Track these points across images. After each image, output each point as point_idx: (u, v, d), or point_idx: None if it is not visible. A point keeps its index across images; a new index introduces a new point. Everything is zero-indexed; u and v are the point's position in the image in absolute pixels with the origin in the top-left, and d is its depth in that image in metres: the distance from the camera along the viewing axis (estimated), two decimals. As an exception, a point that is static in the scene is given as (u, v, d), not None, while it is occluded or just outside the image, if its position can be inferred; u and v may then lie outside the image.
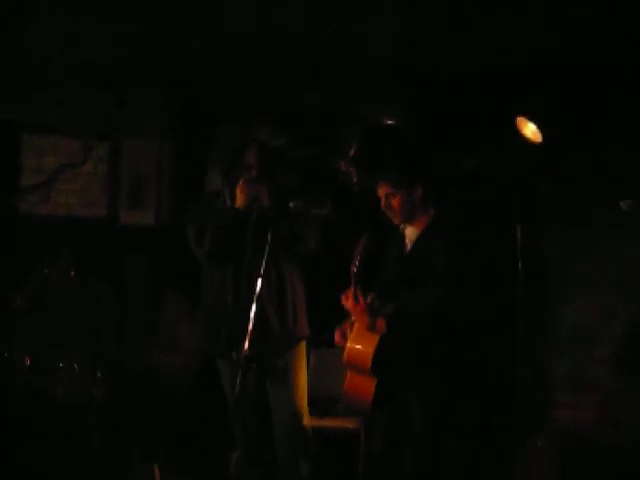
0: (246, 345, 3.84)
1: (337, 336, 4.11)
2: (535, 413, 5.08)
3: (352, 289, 3.95)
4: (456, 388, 3.93)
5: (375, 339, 3.91)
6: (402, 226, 4.12)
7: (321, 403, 5.16)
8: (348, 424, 5.25)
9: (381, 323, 3.90)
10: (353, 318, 4.02)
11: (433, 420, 3.93)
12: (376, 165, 5.35)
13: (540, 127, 5.06)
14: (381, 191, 4.05)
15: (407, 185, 4.00)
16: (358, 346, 3.97)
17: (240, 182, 4.26)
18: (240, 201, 4.26)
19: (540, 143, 5.07)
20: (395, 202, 4.01)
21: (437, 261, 3.87)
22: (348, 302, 3.98)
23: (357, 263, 3.97)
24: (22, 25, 5.42)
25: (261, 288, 3.97)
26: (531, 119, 5.08)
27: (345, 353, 4.02)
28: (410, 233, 4.07)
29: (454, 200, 4.41)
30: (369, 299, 3.98)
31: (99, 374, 5.23)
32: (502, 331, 4.97)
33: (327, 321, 4.58)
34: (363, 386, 4.00)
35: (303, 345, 4.52)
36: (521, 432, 4.94)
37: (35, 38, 5.51)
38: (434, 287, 3.85)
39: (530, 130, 5.09)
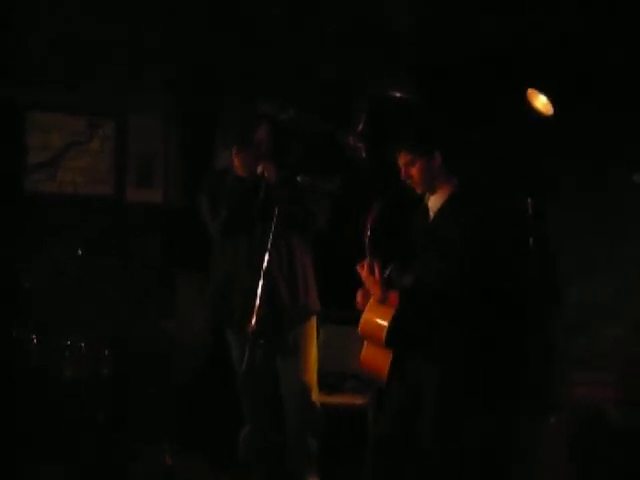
0: (253, 321, 3.84)
1: (359, 297, 4.01)
2: (549, 389, 5.05)
3: (368, 260, 3.90)
4: (471, 365, 3.88)
5: (390, 312, 3.86)
6: (427, 196, 4.04)
7: (330, 379, 5.16)
8: (357, 401, 5.23)
9: (393, 297, 3.84)
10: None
11: (447, 400, 3.88)
12: (385, 139, 5.30)
13: (551, 100, 4.99)
14: (401, 160, 3.97)
15: (425, 152, 3.92)
16: (373, 318, 3.93)
17: (234, 151, 4.27)
18: (239, 170, 4.29)
19: (551, 116, 5.00)
20: (414, 170, 3.93)
21: (455, 237, 3.80)
22: (363, 272, 3.92)
23: (368, 233, 3.91)
24: (27, 2, 5.40)
25: (271, 263, 4.04)
26: (542, 92, 5.01)
27: (360, 325, 3.98)
28: (433, 204, 3.99)
29: (473, 172, 4.33)
30: (387, 271, 3.92)
31: (106, 352, 5.22)
32: (515, 306, 4.92)
33: (337, 297, 4.57)
34: (379, 359, 3.96)
35: (314, 320, 4.53)
36: (535, 408, 4.91)
37: (41, 15, 5.48)
38: (450, 263, 3.80)
39: (541, 102, 5.02)
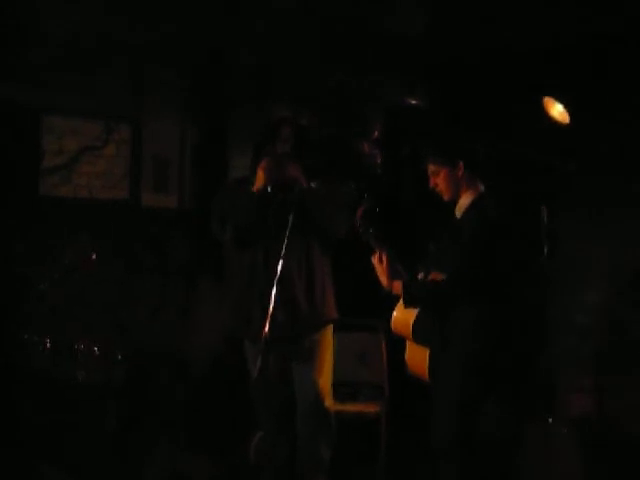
0: (266, 328, 3.82)
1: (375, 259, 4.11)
2: (552, 395, 5.05)
3: (379, 249, 4.04)
4: (475, 368, 3.89)
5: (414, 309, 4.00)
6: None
7: (344, 388, 5.15)
8: (370, 409, 5.21)
9: (397, 285, 3.97)
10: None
11: (468, 393, 3.90)
12: (400, 146, 5.31)
13: (567, 108, 4.99)
14: (429, 169, 4.09)
15: (448, 162, 4.01)
16: (401, 315, 4.08)
17: (264, 160, 4.24)
18: (260, 180, 4.24)
19: (567, 124, 5.00)
20: (439, 179, 4.04)
21: (468, 240, 3.88)
22: (375, 260, 4.06)
23: (358, 227, 4.09)
24: (42, 5, 5.41)
25: (289, 270, 4.07)
26: (558, 100, 5.01)
27: (392, 323, 4.15)
28: (458, 210, 4.07)
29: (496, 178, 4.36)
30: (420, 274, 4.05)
31: (119, 357, 5.22)
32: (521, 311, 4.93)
33: (351, 305, 4.56)
34: (419, 355, 4.05)
35: (330, 328, 4.50)
36: (537, 412, 4.93)
37: (55, 19, 5.49)
38: (461, 263, 3.86)
39: (557, 111, 5.02)
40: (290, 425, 4.49)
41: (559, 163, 5.20)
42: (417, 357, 4.06)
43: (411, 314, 4.01)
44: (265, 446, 4.55)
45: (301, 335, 4.35)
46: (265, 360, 3.84)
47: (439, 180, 4.04)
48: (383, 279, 4.02)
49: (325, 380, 4.46)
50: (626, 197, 5.19)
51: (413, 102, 5.61)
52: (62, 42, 5.67)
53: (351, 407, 5.22)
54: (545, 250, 4.94)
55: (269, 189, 4.20)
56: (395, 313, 4.12)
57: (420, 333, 3.99)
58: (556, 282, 5.17)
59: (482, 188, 4.03)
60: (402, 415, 5.21)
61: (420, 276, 4.05)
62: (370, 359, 5.36)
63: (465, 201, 4.02)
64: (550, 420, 4.89)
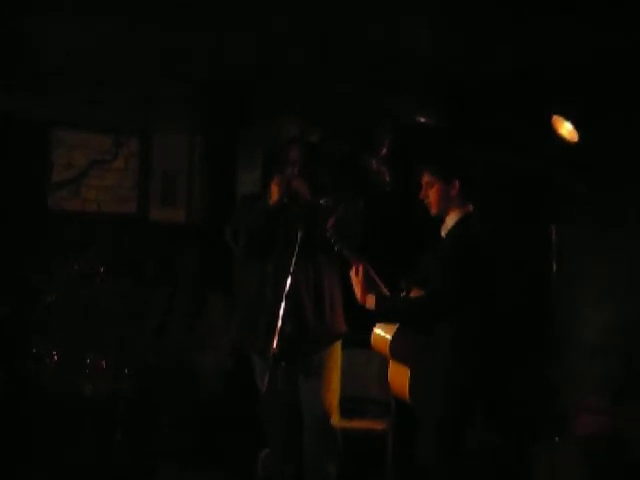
0: (274, 343, 3.82)
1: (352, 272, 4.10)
2: (553, 411, 5.05)
3: (354, 262, 4.02)
4: (468, 382, 3.88)
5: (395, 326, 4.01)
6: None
7: (351, 404, 5.14)
8: (376, 426, 5.21)
9: (370, 300, 3.95)
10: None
11: (447, 418, 3.88)
12: (408, 164, 5.31)
13: (576, 126, 5.00)
14: (423, 179, 4.07)
15: (445, 177, 4.00)
16: (381, 332, 4.10)
17: (275, 177, 4.26)
18: (275, 196, 4.26)
19: (576, 142, 5.01)
20: (432, 192, 4.02)
21: (451, 257, 3.88)
22: (352, 272, 4.05)
23: (330, 236, 4.06)
24: (52, 21, 5.43)
25: (297, 284, 4.06)
26: (567, 118, 5.03)
27: (372, 340, 4.17)
28: (444, 228, 4.06)
29: (490, 200, 4.36)
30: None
31: (126, 370, 5.22)
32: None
33: (359, 320, 4.56)
34: (400, 374, 4.03)
35: (339, 344, 4.51)
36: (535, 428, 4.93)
37: (65, 32, 5.51)
38: (442, 282, 3.86)
39: (566, 129, 5.03)
40: (297, 441, 4.49)
41: (569, 184, 5.21)
42: (399, 377, 4.04)
43: (391, 331, 4.01)
44: (272, 461, 4.55)
45: (310, 350, 4.36)
46: (273, 376, 3.85)
47: (431, 193, 4.03)
48: (358, 292, 4.01)
49: (332, 396, 4.46)
50: (634, 215, 5.19)
51: (423, 120, 5.62)
52: (71, 55, 5.69)
53: (358, 424, 5.22)
54: (554, 267, 4.95)
55: (285, 200, 4.25)
56: (375, 330, 4.11)
57: (398, 351, 4.00)
58: (567, 300, 5.16)
59: (471, 208, 4.03)
60: (409, 432, 5.19)
61: (402, 293, 4.04)
62: (377, 376, 5.35)
63: (451, 220, 4.02)
64: (557, 439, 4.89)
